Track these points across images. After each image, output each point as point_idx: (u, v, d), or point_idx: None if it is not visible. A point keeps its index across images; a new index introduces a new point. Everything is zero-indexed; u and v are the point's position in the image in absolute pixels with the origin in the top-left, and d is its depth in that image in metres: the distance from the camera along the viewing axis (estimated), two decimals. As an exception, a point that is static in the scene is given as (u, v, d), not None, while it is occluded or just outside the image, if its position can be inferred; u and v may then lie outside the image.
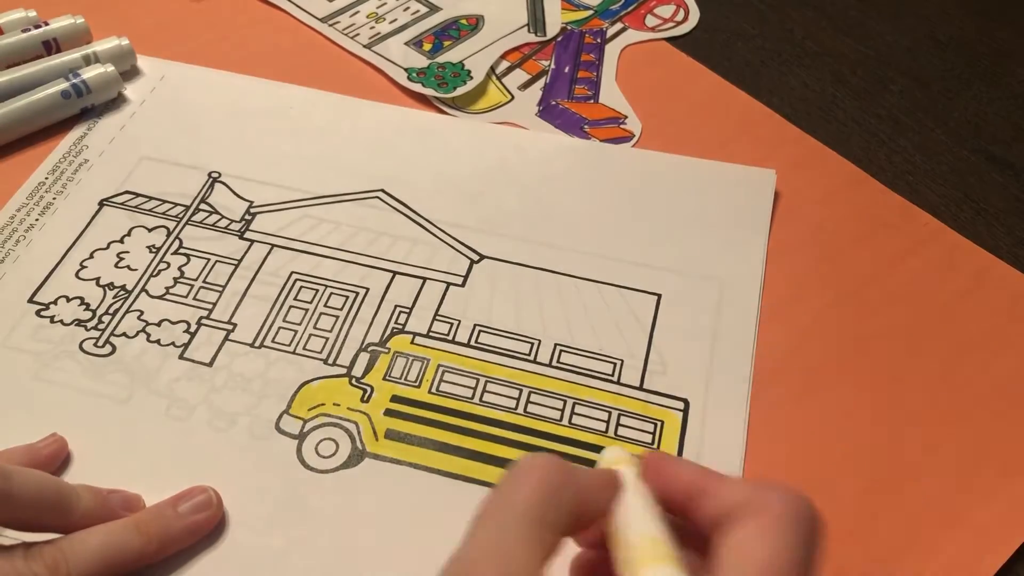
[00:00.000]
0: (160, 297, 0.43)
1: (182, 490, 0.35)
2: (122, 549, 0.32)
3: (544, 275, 0.44)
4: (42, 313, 0.42)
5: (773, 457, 0.38)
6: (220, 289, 0.43)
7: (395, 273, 0.44)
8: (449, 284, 0.44)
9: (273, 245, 0.45)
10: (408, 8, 0.58)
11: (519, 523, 0.23)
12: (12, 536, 0.33)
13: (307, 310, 0.42)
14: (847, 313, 0.43)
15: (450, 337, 0.42)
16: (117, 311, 0.42)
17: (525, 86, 0.54)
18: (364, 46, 0.55)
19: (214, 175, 0.48)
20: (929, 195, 0.49)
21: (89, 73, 0.50)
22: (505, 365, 0.41)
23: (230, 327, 0.42)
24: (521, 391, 0.40)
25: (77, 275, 0.43)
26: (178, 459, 0.37)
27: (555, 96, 0.53)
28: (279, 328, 0.42)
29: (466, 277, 0.44)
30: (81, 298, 0.42)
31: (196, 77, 0.53)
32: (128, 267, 0.44)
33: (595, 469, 0.27)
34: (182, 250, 0.44)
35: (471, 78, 0.53)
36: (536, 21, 0.57)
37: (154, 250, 0.44)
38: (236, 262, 0.44)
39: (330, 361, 0.41)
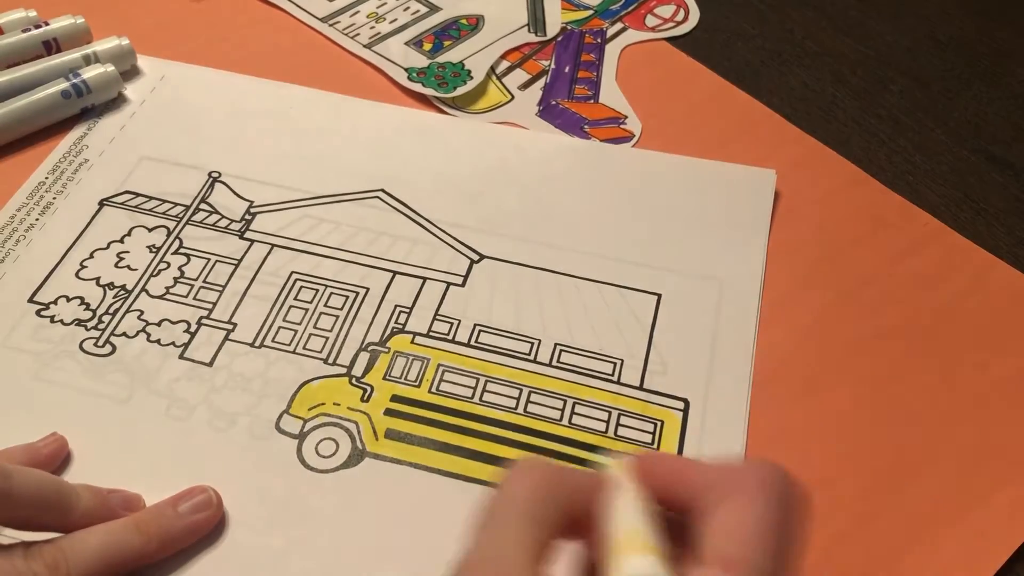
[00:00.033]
0: (160, 297, 0.43)
1: (182, 490, 0.35)
2: (122, 549, 0.32)
3: (544, 275, 0.44)
4: (42, 313, 0.42)
5: (773, 457, 0.37)
6: (220, 289, 0.43)
7: (395, 273, 0.44)
8: (449, 284, 0.44)
9: (273, 245, 0.45)
10: (408, 8, 0.58)
11: (513, 524, 0.24)
12: (12, 535, 0.33)
13: (307, 310, 0.42)
14: (847, 313, 0.43)
15: (450, 337, 0.42)
16: (117, 311, 0.42)
17: (525, 86, 0.54)
18: (364, 46, 0.55)
19: (214, 175, 0.48)
20: (929, 195, 0.49)
21: (89, 73, 0.50)
22: (505, 365, 0.41)
23: (230, 327, 0.42)
24: (521, 391, 0.40)
25: (77, 275, 0.43)
26: (178, 459, 0.37)
27: (555, 96, 0.53)
28: (279, 328, 0.42)
29: (466, 277, 0.44)
30: (81, 298, 0.42)
31: (196, 77, 0.53)
32: (128, 267, 0.44)
33: (587, 469, 0.27)
34: (182, 250, 0.44)
35: (471, 78, 0.53)
36: (536, 21, 0.57)
37: (154, 250, 0.44)
38: (236, 262, 0.44)
39: (330, 361, 0.41)
